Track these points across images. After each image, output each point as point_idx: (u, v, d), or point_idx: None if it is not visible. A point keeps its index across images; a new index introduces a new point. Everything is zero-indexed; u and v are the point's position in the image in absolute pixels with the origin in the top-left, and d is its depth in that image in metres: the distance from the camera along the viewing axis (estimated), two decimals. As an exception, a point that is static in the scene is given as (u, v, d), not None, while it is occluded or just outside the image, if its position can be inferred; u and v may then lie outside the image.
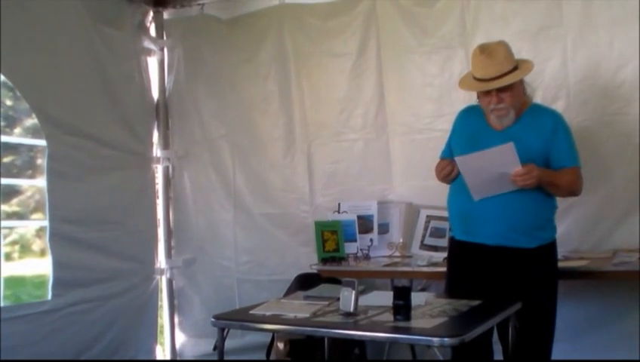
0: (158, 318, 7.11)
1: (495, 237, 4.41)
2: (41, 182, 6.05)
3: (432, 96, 6.02)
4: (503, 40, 4.48)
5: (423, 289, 5.60)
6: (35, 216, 6.58)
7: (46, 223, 5.93)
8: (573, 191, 4.56)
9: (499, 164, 4.24)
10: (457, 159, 4.36)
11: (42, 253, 6.39)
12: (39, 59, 5.82)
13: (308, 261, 6.03)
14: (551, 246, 4.54)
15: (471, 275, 4.52)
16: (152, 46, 7.11)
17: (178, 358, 7.22)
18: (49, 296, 5.92)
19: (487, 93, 4.40)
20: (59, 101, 6.00)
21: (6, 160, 5.92)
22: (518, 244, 4.39)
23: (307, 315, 3.83)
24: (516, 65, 4.40)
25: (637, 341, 5.23)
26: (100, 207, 6.32)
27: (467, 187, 4.40)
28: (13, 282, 5.98)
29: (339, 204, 6.16)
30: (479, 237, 4.47)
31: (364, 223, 6.01)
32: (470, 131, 4.64)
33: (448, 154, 4.74)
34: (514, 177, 4.22)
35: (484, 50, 4.39)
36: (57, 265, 5.93)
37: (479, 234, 4.47)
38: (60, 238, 5.95)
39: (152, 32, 7.14)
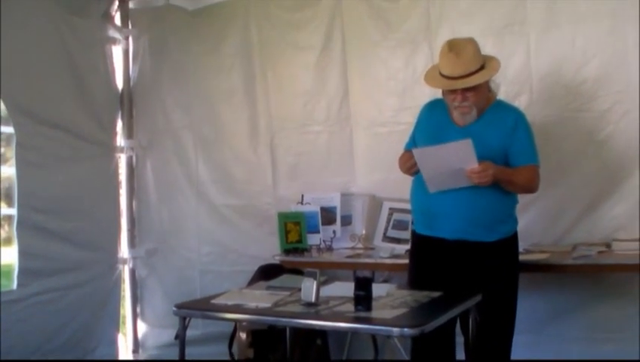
0: (121, 308, 7.09)
1: (454, 232, 4.44)
2: (5, 169, 6.03)
3: (395, 90, 6.04)
4: (471, 37, 4.48)
5: (385, 281, 5.62)
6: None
7: (12, 212, 5.90)
8: (530, 188, 4.59)
9: (456, 160, 4.25)
10: (414, 151, 4.37)
11: (5, 242, 6.34)
12: (6, 46, 5.76)
13: (271, 252, 6.00)
14: (512, 239, 4.58)
15: (433, 268, 4.55)
16: (116, 35, 7.08)
17: (140, 349, 7.21)
18: (14, 286, 5.90)
19: (453, 90, 4.41)
20: (26, 89, 5.99)
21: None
22: (478, 238, 4.42)
23: (269, 305, 3.86)
24: (483, 64, 4.41)
25: (597, 333, 5.32)
26: (65, 195, 6.30)
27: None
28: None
29: (302, 196, 6.17)
30: (439, 232, 4.50)
31: (327, 215, 6.03)
32: (433, 126, 4.65)
33: (412, 147, 4.75)
34: (470, 174, 4.23)
35: (453, 47, 4.37)
36: (23, 254, 5.91)
37: (439, 228, 4.49)
38: (27, 227, 5.94)
39: (117, 21, 7.11)
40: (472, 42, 4.43)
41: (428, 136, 4.58)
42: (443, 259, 4.49)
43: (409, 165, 4.57)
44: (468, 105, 4.41)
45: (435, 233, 4.53)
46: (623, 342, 5.17)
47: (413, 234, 4.78)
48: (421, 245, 4.69)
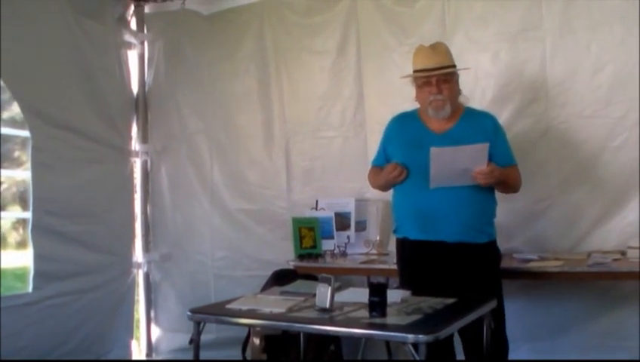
0: (135, 312, 7.11)
1: (455, 234, 4.47)
2: (20, 173, 6.05)
3: (410, 95, 5.94)
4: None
5: (399, 287, 5.60)
6: (10, 208, 6.52)
7: (27, 215, 5.92)
8: (518, 188, 4.74)
9: (468, 161, 4.37)
10: (433, 150, 4.37)
11: (19, 245, 6.36)
12: (22, 50, 5.79)
13: (285, 257, 5.99)
14: (495, 242, 4.66)
15: (428, 274, 4.54)
16: (132, 39, 7.12)
17: (153, 353, 7.22)
18: (29, 289, 5.91)
19: (427, 84, 4.57)
20: (42, 92, 6.00)
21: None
22: (474, 240, 4.49)
23: (283, 310, 3.85)
24: (455, 65, 4.64)
25: (610, 341, 5.29)
26: (80, 199, 6.32)
27: (426, 176, 4.41)
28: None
29: (316, 201, 6.17)
30: (439, 235, 4.50)
31: (342, 220, 6.02)
32: (410, 136, 4.73)
33: (382, 162, 4.83)
34: (477, 174, 4.34)
35: (427, 45, 4.66)
36: (38, 257, 5.92)
37: (440, 231, 4.50)
38: (42, 230, 5.95)
39: (133, 25, 7.14)
40: (444, 43, 4.74)
41: (406, 146, 4.68)
42: (440, 263, 4.50)
43: (395, 174, 4.59)
44: (442, 98, 4.55)
45: (434, 237, 4.53)
46: (636, 349, 5.15)
47: (403, 241, 4.75)
48: (415, 251, 4.65)
